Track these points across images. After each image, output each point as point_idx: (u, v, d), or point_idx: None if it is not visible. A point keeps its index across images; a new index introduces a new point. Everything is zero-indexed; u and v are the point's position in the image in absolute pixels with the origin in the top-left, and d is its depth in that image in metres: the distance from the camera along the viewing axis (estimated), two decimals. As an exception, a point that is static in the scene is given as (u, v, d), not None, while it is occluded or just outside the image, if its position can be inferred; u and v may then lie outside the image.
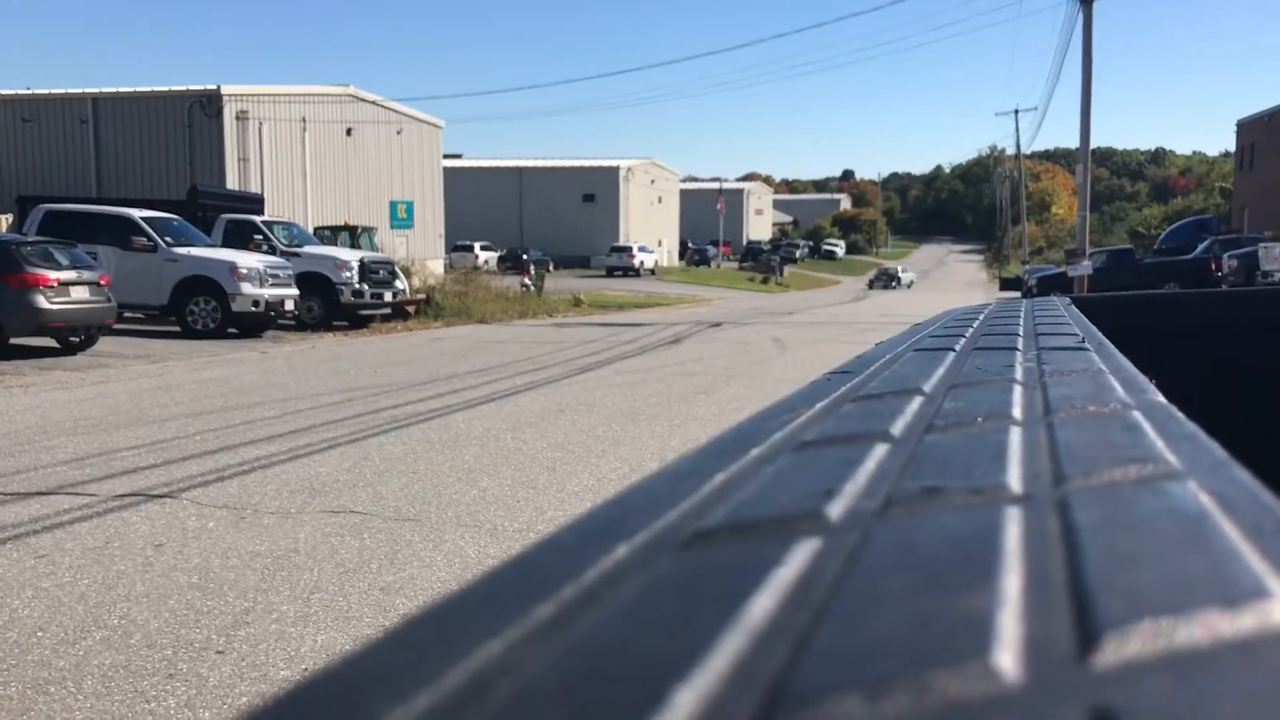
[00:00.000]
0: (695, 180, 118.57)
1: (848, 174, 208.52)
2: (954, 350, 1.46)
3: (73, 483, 7.21)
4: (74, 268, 15.32)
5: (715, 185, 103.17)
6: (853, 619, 0.42)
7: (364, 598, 4.95)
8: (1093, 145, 25.99)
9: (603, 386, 13.03)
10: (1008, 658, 0.37)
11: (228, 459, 8.10)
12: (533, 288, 34.35)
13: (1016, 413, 0.90)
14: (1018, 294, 37.74)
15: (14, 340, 14.77)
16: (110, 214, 19.89)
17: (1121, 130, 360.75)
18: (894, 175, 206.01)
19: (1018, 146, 79.49)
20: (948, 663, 0.36)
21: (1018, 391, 1.02)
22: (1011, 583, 0.45)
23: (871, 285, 72.38)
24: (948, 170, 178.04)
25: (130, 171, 32.82)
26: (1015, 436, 0.78)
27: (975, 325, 1.92)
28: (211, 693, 3.89)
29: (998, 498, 0.61)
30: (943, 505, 0.60)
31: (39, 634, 4.44)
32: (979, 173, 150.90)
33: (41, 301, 14.51)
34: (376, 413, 10.57)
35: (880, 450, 0.76)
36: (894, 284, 72.00)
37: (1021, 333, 1.68)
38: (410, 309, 24.08)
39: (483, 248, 59.26)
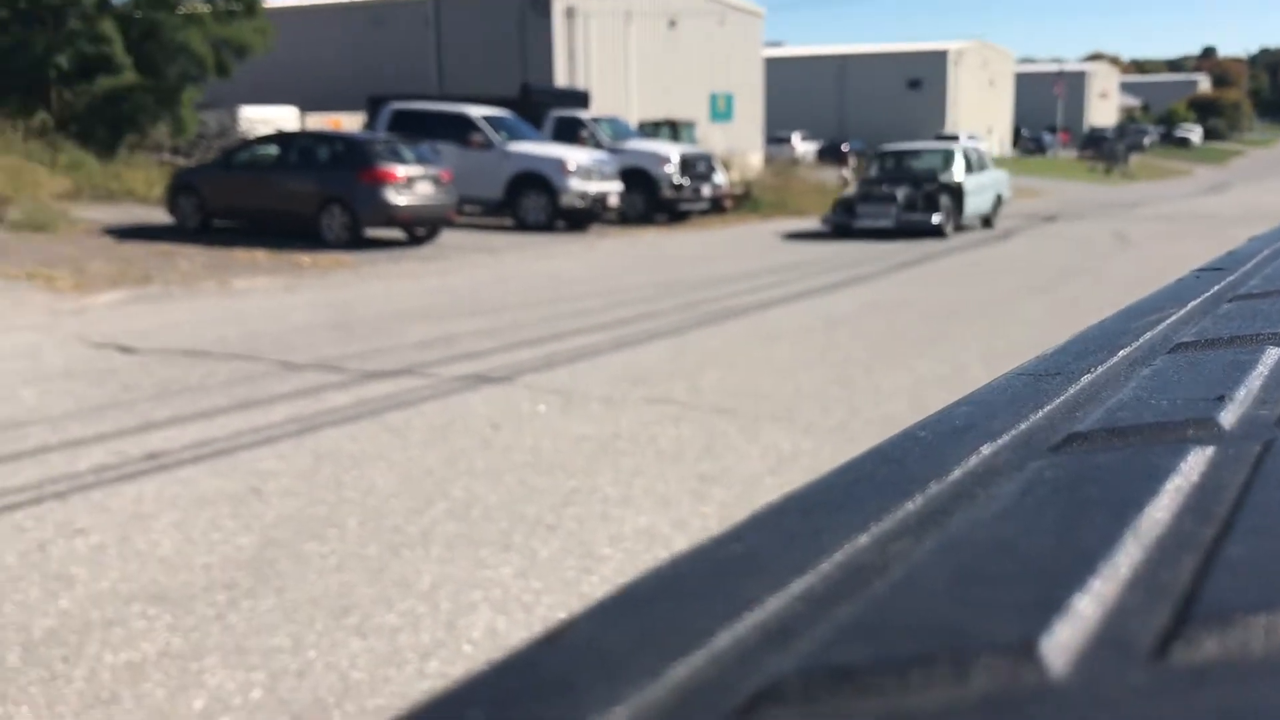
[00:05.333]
0: (1031, 62, 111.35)
1: (1208, 51, 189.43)
2: None
3: (420, 365, 7.82)
4: (419, 164, 16.34)
5: (1054, 68, 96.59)
6: (1267, 533, 0.38)
7: (681, 485, 5.12)
8: None
9: (922, 283, 12.67)
10: None
11: (557, 347, 8.53)
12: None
13: None
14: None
15: (368, 232, 16.04)
16: (451, 112, 21.03)
17: None
18: (1264, 51, 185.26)
19: None
20: None
21: None
22: None
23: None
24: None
25: (468, 70, 34.53)
26: None
27: None
28: (542, 565, 4.16)
29: None
30: None
31: (392, 501, 4.89)
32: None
33: (391, 196, 15.61)
34: (695, 306, 10.78)
35: (1273, 354, 0.69)
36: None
37: None
38: (728, 203, 24.22)
39: (801, 139, 58.55)
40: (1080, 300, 10.98)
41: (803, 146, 55.73)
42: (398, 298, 11.42)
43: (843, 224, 19.33)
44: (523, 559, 4.21)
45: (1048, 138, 76.10)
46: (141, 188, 18.71)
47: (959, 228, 19.76)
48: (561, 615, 3.36)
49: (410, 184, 15.91)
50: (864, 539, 0.40)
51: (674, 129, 28.81)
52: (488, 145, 20.08)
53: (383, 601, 3.82)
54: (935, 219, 18.72)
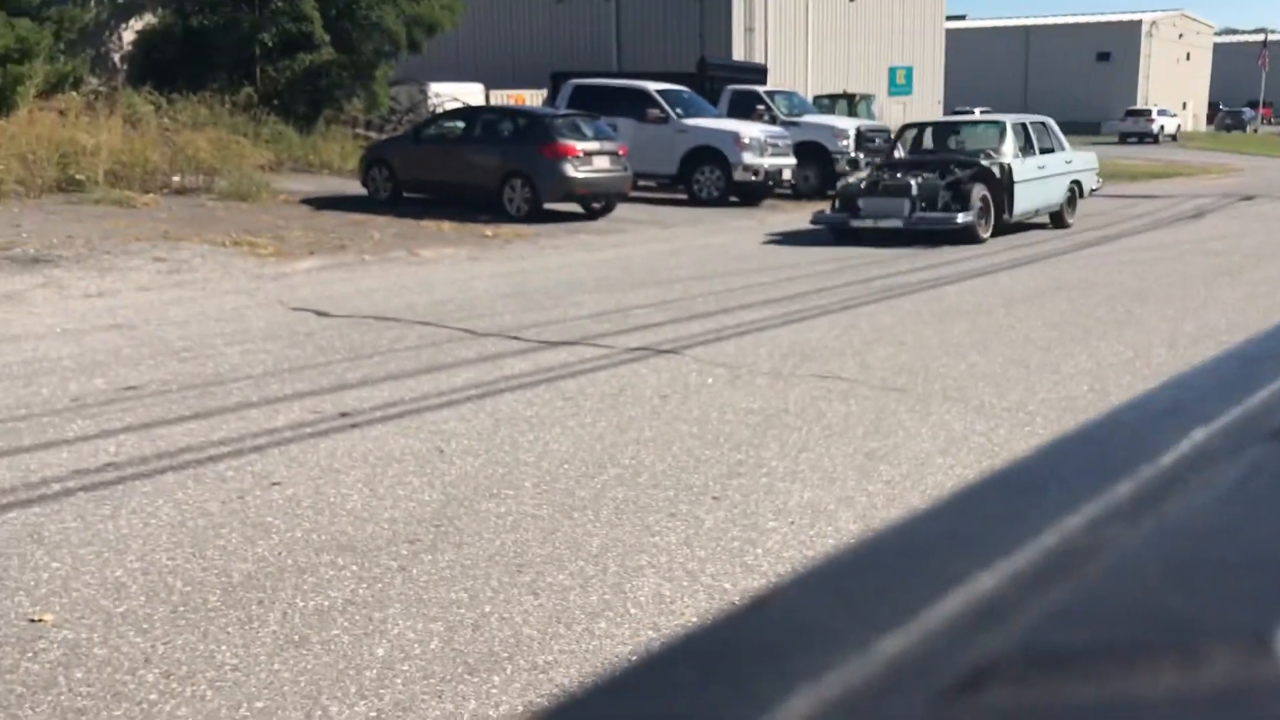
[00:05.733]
0: (1234, 33, 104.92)
1: None
2: None
3: (593, 335, 8.01)
4: (597, 139, 16.55)
5: (1259, 37, 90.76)
6: None
7: (848, 461, 5.12)
8: None
9: (1108, 263, 12.20)
10: None
11: (726, 320, 8.59)
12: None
13: None
14: None
15: (547, 205, 16.38)
16: (628, 87, 21.21)
17: None
18: None
19: None
20: None
21: None
22: None
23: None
24: None
25: (646, 46, 34.72)
26: None
27: None
28: (707, 534, 4.25)
29: None
30: None
31: (565, 466, 5.06)
32: None
33: (570, 170, 15.88)
34: (867, 282, 10.67)
35: None
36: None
37: None
38: (905, 178, 23.71)
39: (981, 113, 56.69)
40: (1279, 283, 10.42)
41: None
42: (573, 269, 11.67)
43: (839, 224, 14.53)
44: (688, 527, 4.31)
45: (1248, 113, 71.63)
46: (336, 160, 19.57)
47: (1005, 228, 14.76)
48: (726, 585, 3.43)
49: (589, 159, 16.14)
50: (1073, 521, 0.39)
51: (851, 102, 28.34)
52: (664, 120, 20.17)
53: (554, 561, 3.98)
54: (961, 218, 13.81)
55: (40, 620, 3.49)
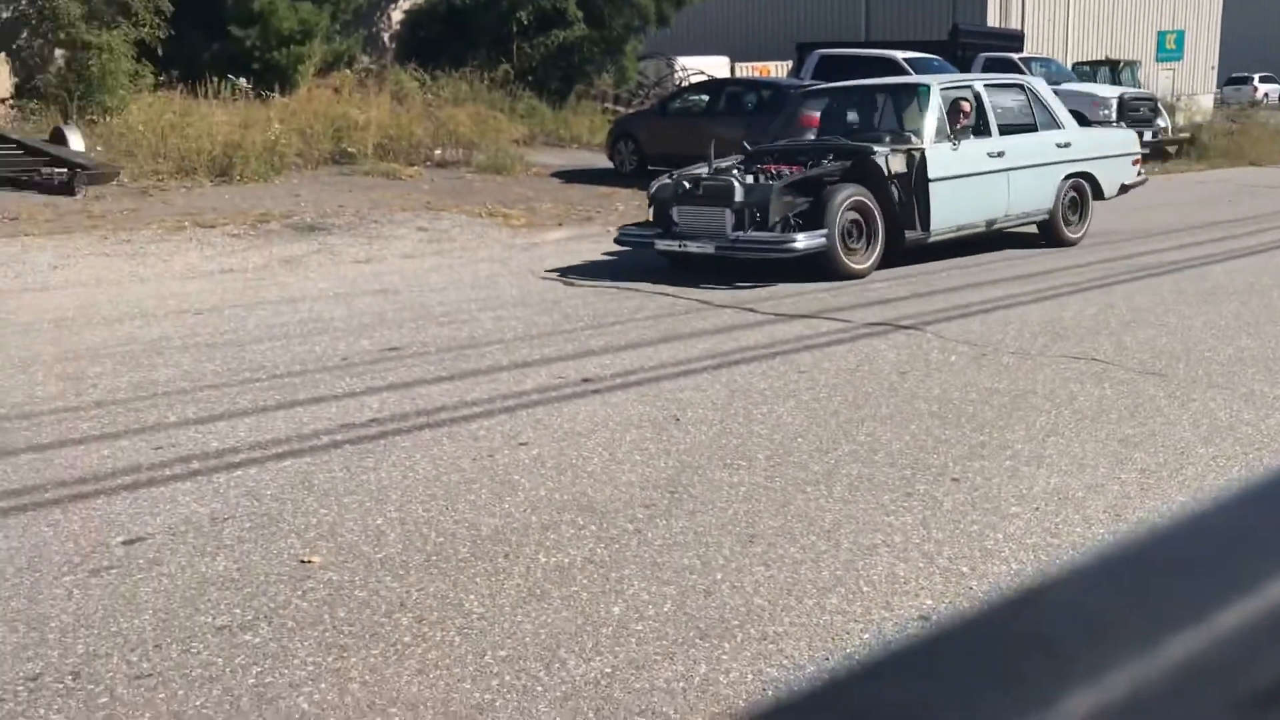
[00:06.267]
0: None
1: None
2: None
3: (830, 309, 7.93)
4: (843, 110, 16.29)
5: None
6: None
7: (1100, 447, 4.89)
8: None
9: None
10: None
11: (972, 296, 8.34)
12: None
13: None
14: None
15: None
16: (876, 56, 20.76)
17: None
18: None
19: None
20: None
21: None
22: None
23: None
24: None
25: (896, 15, 33.86)
26: None
27: None
28: (945, 516, 4.15)
29: None
30: None
31: (798, 440, 5.05)
32: None
33: (811, 143, 15.69)
34: (1127, 259, 10.11)
35: None
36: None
37: None
38: (1170, 149, 22.26)
39: (1262, 79, 52.31)
40: None
41: (1265, 88, 49.85)
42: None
43: (646, 243, 9.65)
44: (925, 508, 4.23)
45: None
46: (585, 134, 20.09)
47: (901, 250, 9.60)
48: (964, 569, 3.35)
49: (831, 130, 15.89)
50: None
51: (1114, 69, 26.80)
52: (912, 89, 19.63)
53: (786, 534, 3.99)
54: (802, 241, 8.83)
55: (309, 562, 3.79)
